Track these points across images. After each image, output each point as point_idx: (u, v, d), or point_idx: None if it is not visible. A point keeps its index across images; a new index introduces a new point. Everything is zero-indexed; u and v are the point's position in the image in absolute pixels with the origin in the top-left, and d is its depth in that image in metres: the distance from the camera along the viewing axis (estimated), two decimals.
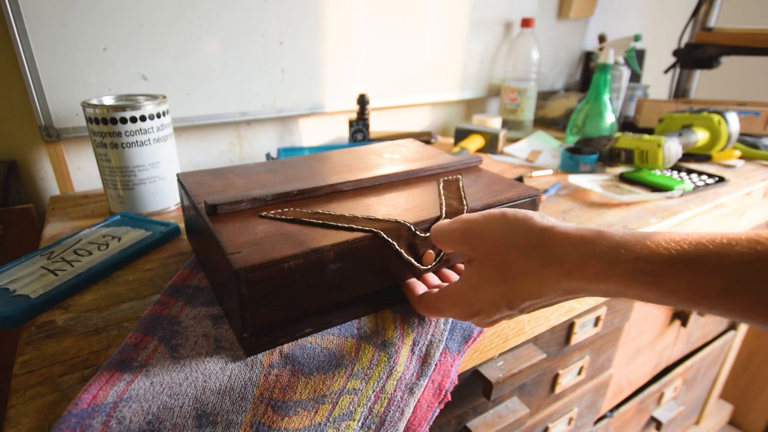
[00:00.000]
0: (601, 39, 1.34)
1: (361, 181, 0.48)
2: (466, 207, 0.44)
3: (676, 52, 1.21)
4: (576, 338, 0.67)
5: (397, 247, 0.39)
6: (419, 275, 0.44)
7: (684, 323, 0.96)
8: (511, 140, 1.05)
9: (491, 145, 0.95)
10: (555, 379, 0.70)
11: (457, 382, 0.44)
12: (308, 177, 0.51)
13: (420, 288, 0.42)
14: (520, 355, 0.57)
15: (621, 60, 1.09)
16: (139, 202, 0.63)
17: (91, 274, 0.47)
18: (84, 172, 0.77)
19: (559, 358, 0.68)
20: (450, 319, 0.44)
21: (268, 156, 0.84)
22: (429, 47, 1.04)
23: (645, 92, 1.19)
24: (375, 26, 0.95)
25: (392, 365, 0.40)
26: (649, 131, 1.01)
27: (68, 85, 0.70)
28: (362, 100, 0.91)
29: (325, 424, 0.36)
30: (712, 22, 1.20)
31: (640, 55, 1.35)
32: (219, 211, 0.41)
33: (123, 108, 0.58)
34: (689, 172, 0.84)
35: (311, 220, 0.40)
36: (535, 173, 0.82)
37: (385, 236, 0.39)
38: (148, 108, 0.60)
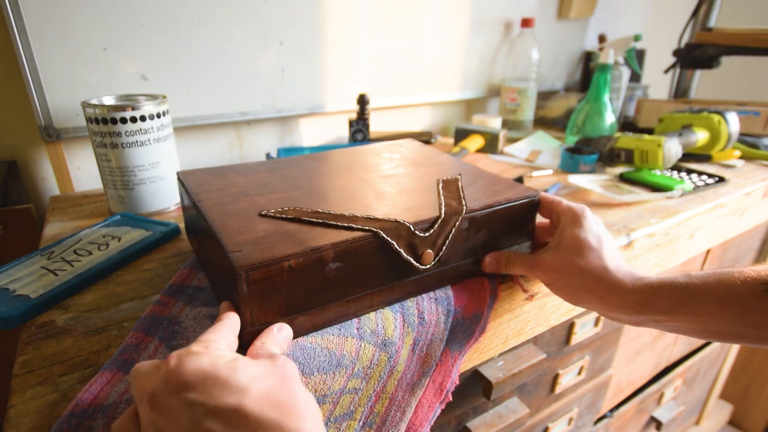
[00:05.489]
0: (601, 39, 1.34)
1: None
2: (465, 207, 0.44)
3: (676, 52, 1.21)
4: (576, 338, 0.67)
5: (396, 246, 0.39)
6: (418, 275, 0.44)
7: None
8: (511, 140, 1.05)
9: (491, 145, 0.95)
10: (555, 379, 0.70)
11: (458, 382, 0.44)
12: (309, 177, 0.51)
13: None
14: (520, 355, 0.57)
15: (621, 60, 1.09)
16: (139, 202, 0.63)
17: (91, 274, 0.47)
18: (84, 172, 0.77)
19: (559, 358, 0.68)
20: (450, 319, 0.44)
21: (268, 156, 0.84)
22: (429, 47, 1.04)
23: (645, 92, 1.19)
24: (375, 26, 0.95)
25: (393, 365, 0.40)
26: (649, 131, 1.01)
27: (68, 85, 0.70)
28: (362, 100, 0.91)
29: (326, 424, 0.36)
30: (712, 22, 1.20)
31: (640, 55, 1.35)
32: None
33: (123, 108, 0.58)
34: (689, 172, 0.84)
35: (311, 219, 0.40)
36: (535, 173, 0.82)
37: (384, 236, 0.39)
38: (148, 108, 0.60)
